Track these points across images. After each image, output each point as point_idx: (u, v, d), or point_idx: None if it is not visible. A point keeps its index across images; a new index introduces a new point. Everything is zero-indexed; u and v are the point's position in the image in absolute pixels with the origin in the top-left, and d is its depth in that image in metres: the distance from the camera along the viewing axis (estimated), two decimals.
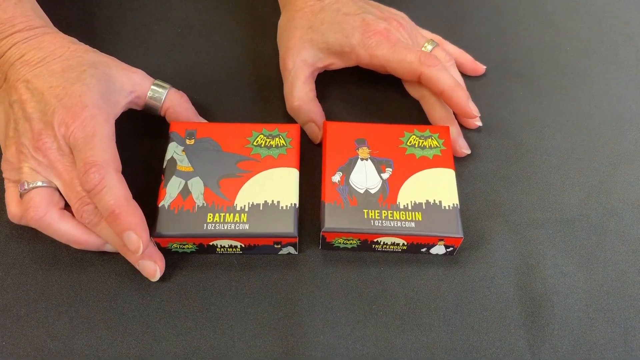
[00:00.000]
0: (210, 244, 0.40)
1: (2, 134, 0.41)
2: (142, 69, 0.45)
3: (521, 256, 0.43)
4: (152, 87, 0.45)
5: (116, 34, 0.54)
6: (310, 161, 0.46)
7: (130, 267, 0.41)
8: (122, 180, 0.39)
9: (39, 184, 0.39)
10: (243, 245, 0.41)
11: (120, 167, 0.39)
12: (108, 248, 0.41)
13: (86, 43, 0.44)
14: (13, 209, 0.40)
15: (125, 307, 0.40)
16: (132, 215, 0.38)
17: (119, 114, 0.42)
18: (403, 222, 0.40)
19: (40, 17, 0.45)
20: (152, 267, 0.40)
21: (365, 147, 0.44)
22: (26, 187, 0.39)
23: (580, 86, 0.53)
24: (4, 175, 0.41)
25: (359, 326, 0.39)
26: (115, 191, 0.38)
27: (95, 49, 0.44)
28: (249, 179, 0.42)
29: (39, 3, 0.46)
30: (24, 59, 0.41)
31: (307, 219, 0.44)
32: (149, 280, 0.40)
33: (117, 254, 0.41)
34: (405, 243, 0.41)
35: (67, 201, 0.40)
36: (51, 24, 0.46)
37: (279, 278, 0.41)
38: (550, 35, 0.57)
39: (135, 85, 0.44)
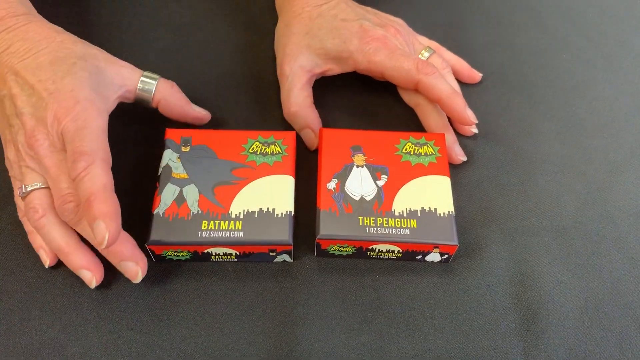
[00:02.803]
0: (205, 251, 0.40)
1: (1, 132, 0.42)
2: None
3: (517, 264, 0.43)
4: (142, 78, 0.44)
5: (113, 40, 0.54)
6: (306, 168, 0.46)
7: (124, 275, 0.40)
8: (107, 171, 0.37)
9: (38, 185, 0.39)
10: (238, 253, 0.41)
11: (109, 160, 0.38)
12: (85, 275, 0.39)
13: None
14: (20, 204, 0.41)
15: (118, 315, 0.39)
16: (104, 203, 0.36)
17: (112, 109, 0.42)
18: (398, 229, 0.40)
19: (22, 4, 0.43)
20: (134, 269, 0.39)
21: (361, 154, 0.44)
22: (24, 191, 0.39)
23: (576, 93, 0.53)
24: (9, 174, 0.41)
25: (353, 334, 0.39)
26: (97, 179, 0.36)
27: (82, 40, 0.43)
28: (244, 186, 0.42)
29: (37, 8, 0.45)
30: (9, 51, 0.40)
31: (303, 226, 0.43)
32: (143, 288, 0.40)
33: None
34: (401, 250, 0.41)
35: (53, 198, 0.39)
36: (35, 10, 0.44)
37: (273, 286, 0.41)
38: (547, 42, 0.57)
39: (125, 80, 0.43)
